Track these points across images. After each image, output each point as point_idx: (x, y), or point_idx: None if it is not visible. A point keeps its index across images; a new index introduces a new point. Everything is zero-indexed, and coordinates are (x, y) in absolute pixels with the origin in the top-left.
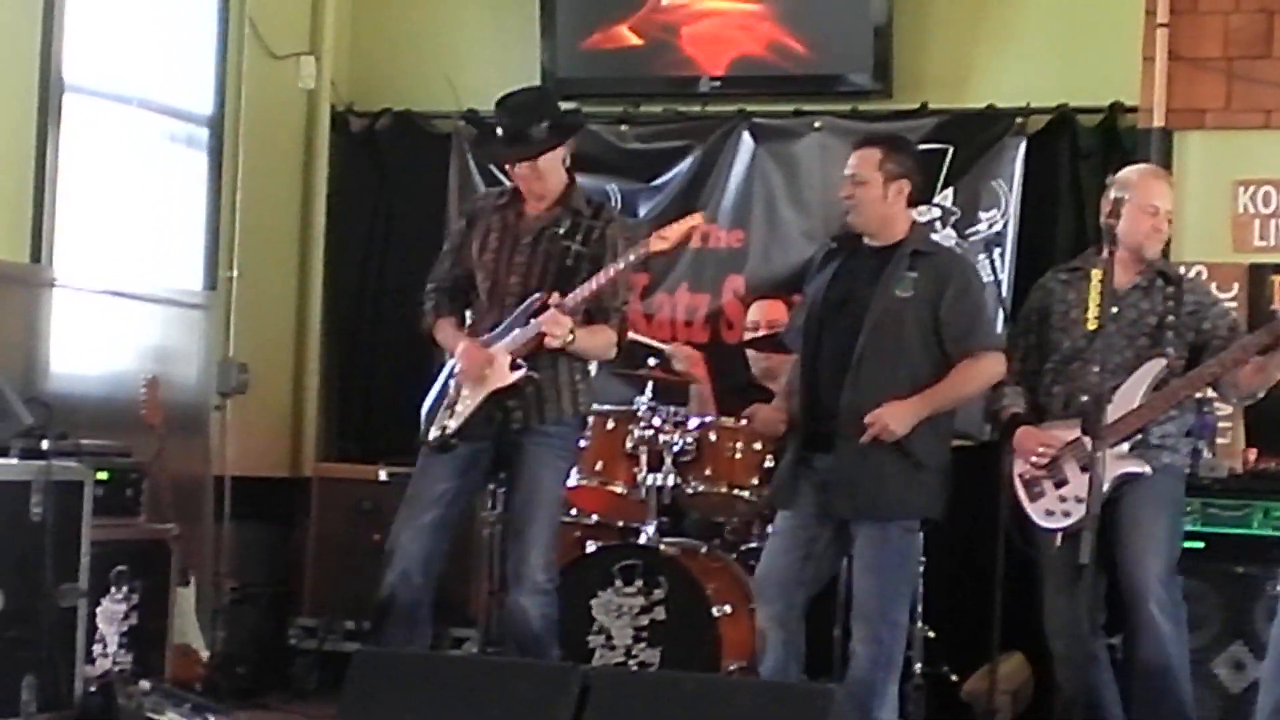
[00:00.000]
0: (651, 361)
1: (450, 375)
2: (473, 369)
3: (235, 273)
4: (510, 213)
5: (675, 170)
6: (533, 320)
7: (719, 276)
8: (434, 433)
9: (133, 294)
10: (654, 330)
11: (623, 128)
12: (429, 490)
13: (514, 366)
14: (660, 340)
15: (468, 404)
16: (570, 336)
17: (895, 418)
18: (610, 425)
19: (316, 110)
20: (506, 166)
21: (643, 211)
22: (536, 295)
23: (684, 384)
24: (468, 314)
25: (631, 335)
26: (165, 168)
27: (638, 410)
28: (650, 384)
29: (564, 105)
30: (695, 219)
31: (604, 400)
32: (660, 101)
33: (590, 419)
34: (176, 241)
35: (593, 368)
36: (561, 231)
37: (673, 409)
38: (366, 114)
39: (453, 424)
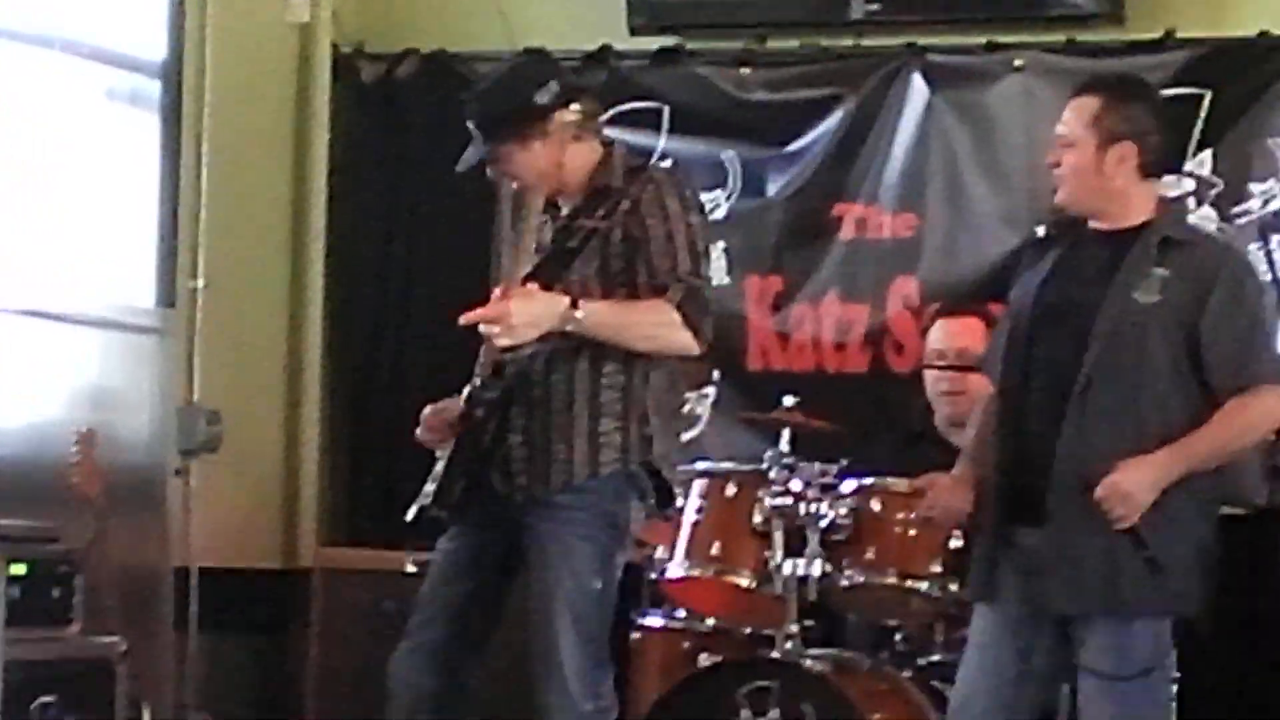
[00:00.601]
0: (789, 400)
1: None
2: (433, 419)
3: (201, 283)
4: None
5: (818, 130)
6: None
7: (883, 279)
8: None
9: (57, 314)
10: (791, 355)
11: (743, 71)
12: (430, 598)
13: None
14: (801, 369)
15: (439, 465)
16: (560, 313)
17: (1137, 485)
18: (731, 491)
19: (313, 53)
20: (500, 175)
21: (772, 189)
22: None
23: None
24: None
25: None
26: (102, 136)
27: (769, 469)
28: (788, 432)
29: (662, 41)
30: None
31: (720, 455)
32: (796, 33)
33: (701, 482)
34: (119, 240)
35: (656, 394)
36: (590, 220)
37: (820, 466)
38: (383, 57)
39: (429, 488)
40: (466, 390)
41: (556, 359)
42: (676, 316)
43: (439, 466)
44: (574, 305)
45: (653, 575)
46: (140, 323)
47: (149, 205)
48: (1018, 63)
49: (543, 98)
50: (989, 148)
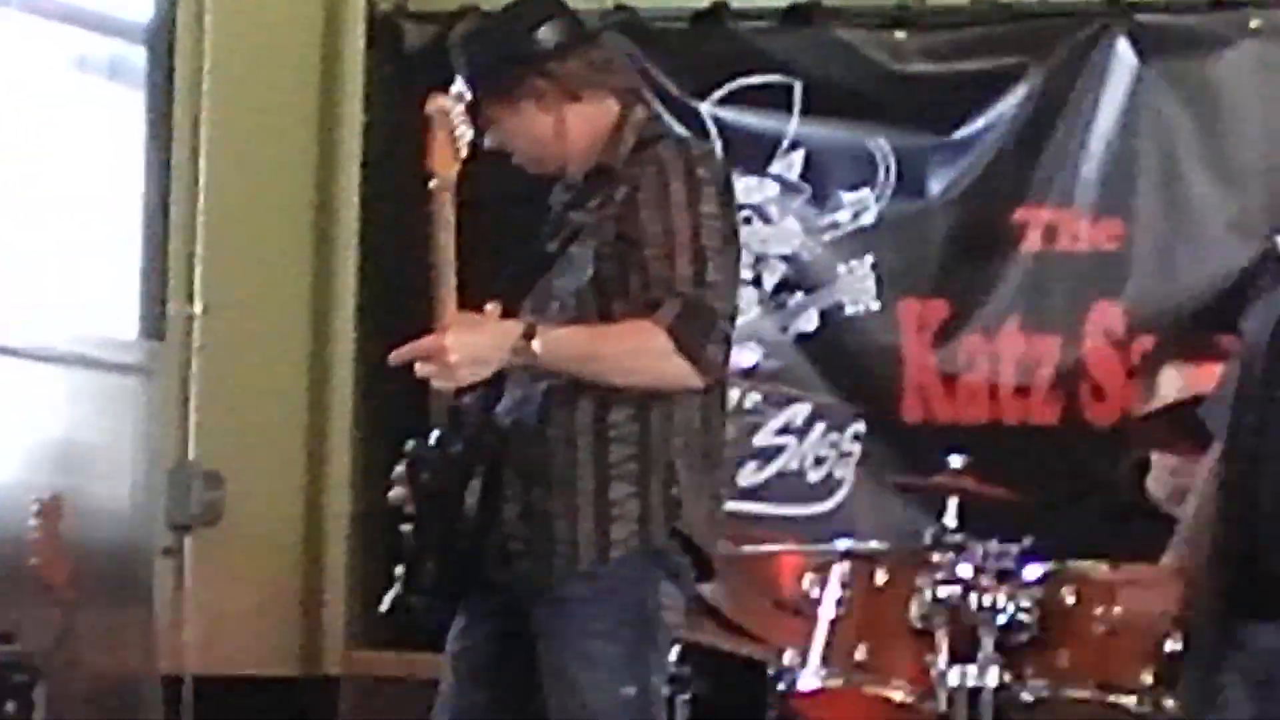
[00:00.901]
0: (956, 460)
1: None
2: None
3: (197, 308)
4: (560, 185)
5: (994, 112)
6: None
7: (1078, 303)
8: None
9: (11, 348)
10: (959, 402)
11: (897, 36)
12: (444, 713)
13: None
14: (972, 420)
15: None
16: (510, 344)
17: None
18: (881, 578)
19: (342, 11)
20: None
21: (935, 188)
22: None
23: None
24: None
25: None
26: (71, 118)
27: (931, 550)
28: (955, 501)
29: None
30: None
31: (867, 531)
32: None
33: (842, 568)
34: (93, 253)
35: (684, 436)
36: (572, 211)
37: (997, 546)
38: (433, 17)
39: (398, 569)
40: (409, 447)
41: (552, 402)
42: (665, 342)
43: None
44: (529, 334)
45: (780, 686)
46: (119, 359)
47: (131, 208)
48: (1253, 24)
49: (537, 42)
50: (1215, 134)
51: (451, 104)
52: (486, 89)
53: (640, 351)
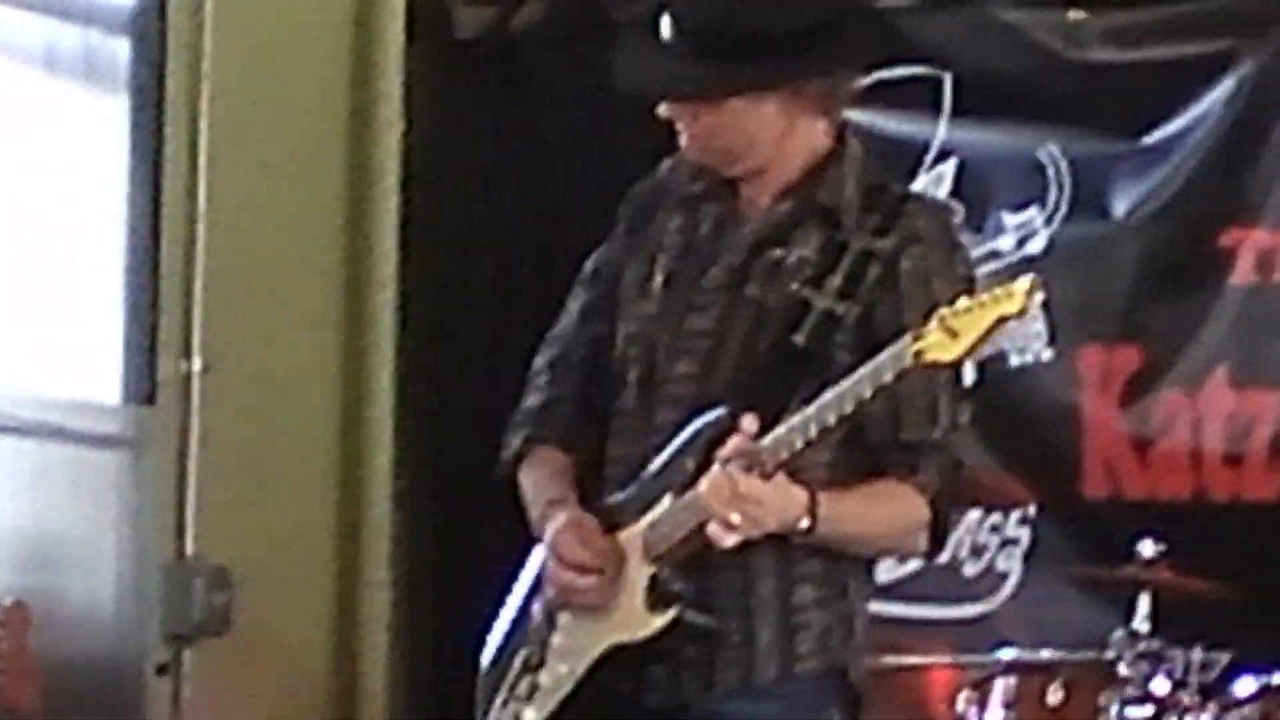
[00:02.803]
0: (1150, 548)
1: (535, 589)
2: (580, 584)
3: (197, 366)
4: (709, 210)
5: (1196, 111)
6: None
7: None
8: None
9: None
10: (1154, 474)
11: (1073, 16)
12: None
13: (657, 596)
14: (1170, 497)
15: (563, 672)
16: (794, 519)
17: None
18: (1055, 696)
19: None
20: (667, 113)
21: (1121, 206)
22: (717, 414)
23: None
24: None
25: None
26: (38, 126)
27: (1118, 660)
28: (1148, 598)
29: None
30: (1021, 288)
31: (1036, 637)
32: None
33: (1007, 682)
34: (67, 298)
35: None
36: (793, 259)
37: (1200, 655)
38: (489, 2)
39: (532, 715)
40: None
41: None
42: (925, 517)
43: (546, 675)
44: (813, 510)
45: None
46: (100, 429)
47: (113, 240)
48: None
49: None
50: None
51: None
52: (744, 66)
53: (907, 529)
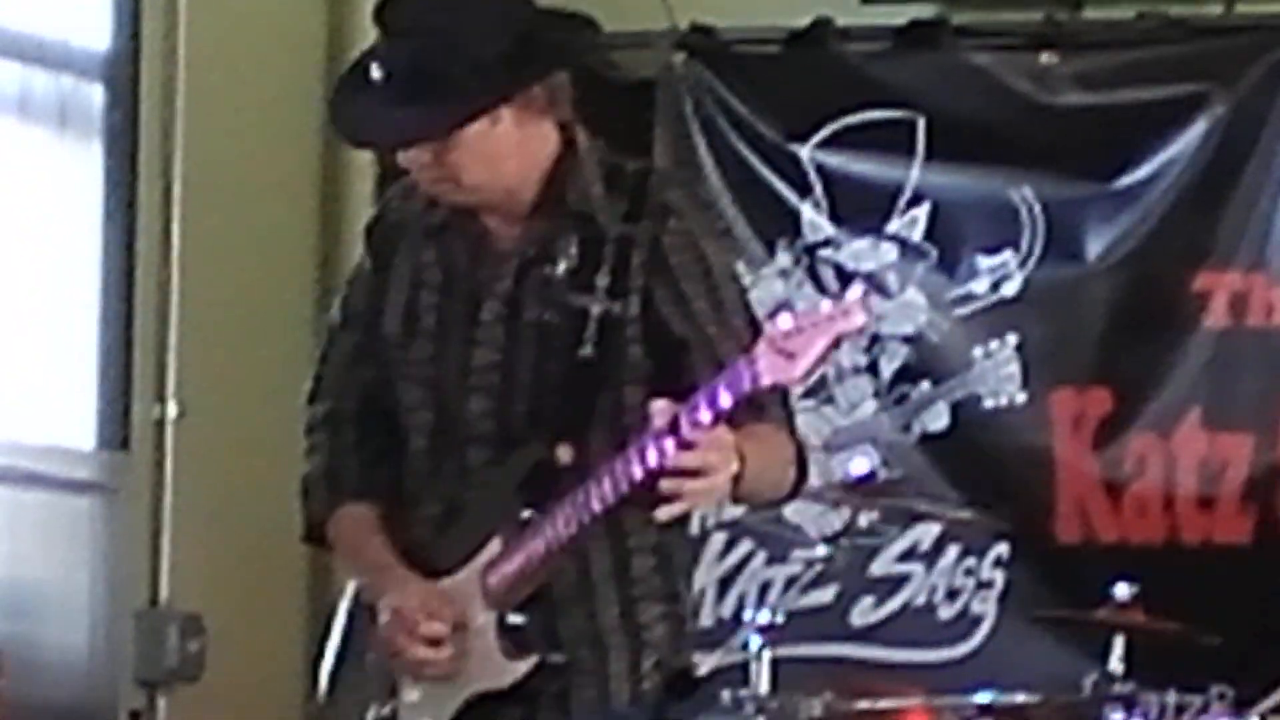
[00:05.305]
0: (1124, 590)
1: (363, 651)
2: (433, 656)
3: (171, 412)
4: (459, 241)
5: (1168, 153)
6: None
7: (1275, 392)
8: None
9: None
10: (1127, 518)
11: (1044, 60)
12: None
13: (513, 642)
14: (1143, 540)
15: None
16: (734, 467)
17: None
18: None
19: (348, 38)
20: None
21: (1094, 249)
22: (531, 451)
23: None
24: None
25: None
26: (11, 173)
27: (1093, 702)
28: (1122, 640)
29: (914, 10)
30: (855, 299)
31: (1012, 678)
32: (1130, 2)
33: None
34: (39, 343)
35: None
36: (561, 270)
37: (1175, 697)
38: None
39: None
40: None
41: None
42: (793, 448)
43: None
44: (743, 458)
45: None
46: (72, 475)
47: (86, 285)
48: None
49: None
50: None
51: None
52: (393, 135)
53: (787, 465)
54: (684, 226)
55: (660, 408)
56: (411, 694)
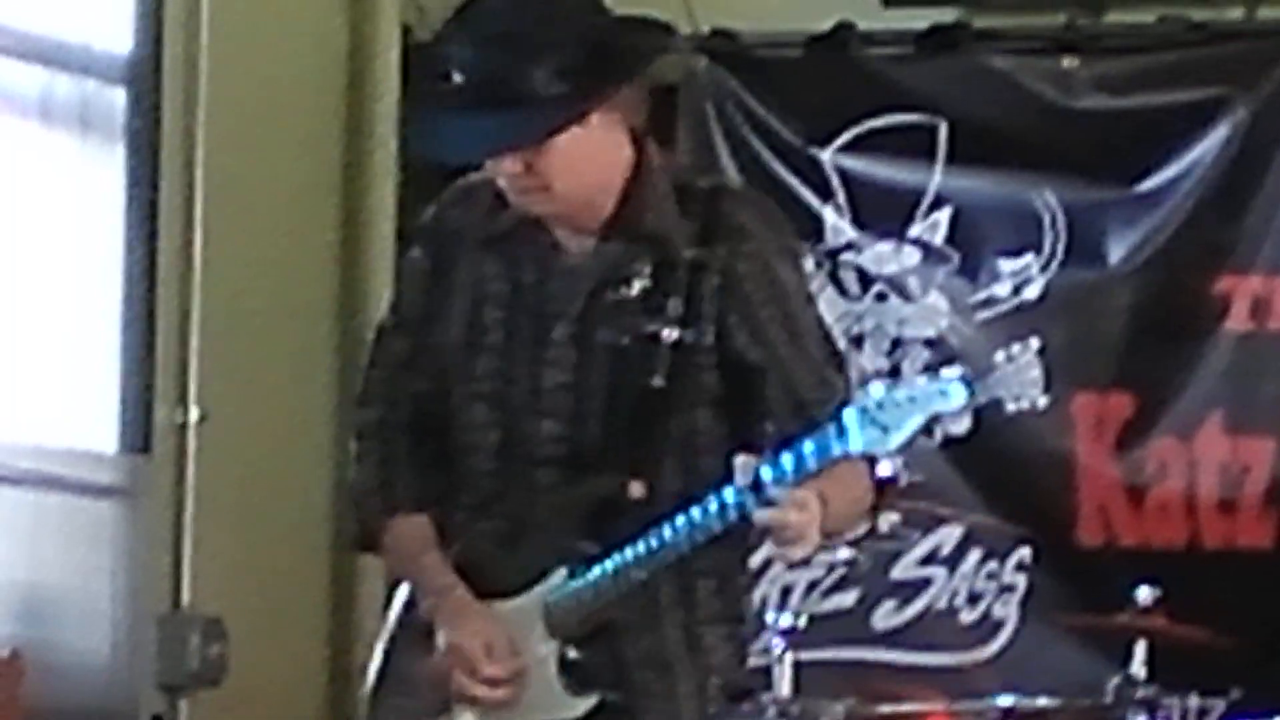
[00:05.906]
0: (1146, 594)
1: (413, 662)
2: (490, 696)
3: (193, 416)
4: (527, 253)
5: (1189, 157)
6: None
7: None
8: None
9: None
10: (1148, 522)
11: (1066, 64)
12: None
13: (575, 679)
14: (1165, 544)
15: None
16: (817, 522)
17: None
18: None
19: (370, 40)
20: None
21: (1116, 254)
22: (605, 483)
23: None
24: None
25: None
26: (34, 176)
27: (1115, 706)
28: (1144, 645)
29: (935, 15)
30: (959, 387)
31: (1035, 684)
32: (1151, 6)
33: None
34: (62, 347)
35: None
36: (635, 292)
37: (1197, 701)
38: None
39: None
40: None
41: None
42: (869, 476)
43: None
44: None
45: None
46: (95, 479)
47: (109, 289)
48: None
49: (643, 36)
50: None
51: None
52: (491, 144)
53: (866, 494)
54: (757, 249)
55: (742, 463)
56: (465, 718)
